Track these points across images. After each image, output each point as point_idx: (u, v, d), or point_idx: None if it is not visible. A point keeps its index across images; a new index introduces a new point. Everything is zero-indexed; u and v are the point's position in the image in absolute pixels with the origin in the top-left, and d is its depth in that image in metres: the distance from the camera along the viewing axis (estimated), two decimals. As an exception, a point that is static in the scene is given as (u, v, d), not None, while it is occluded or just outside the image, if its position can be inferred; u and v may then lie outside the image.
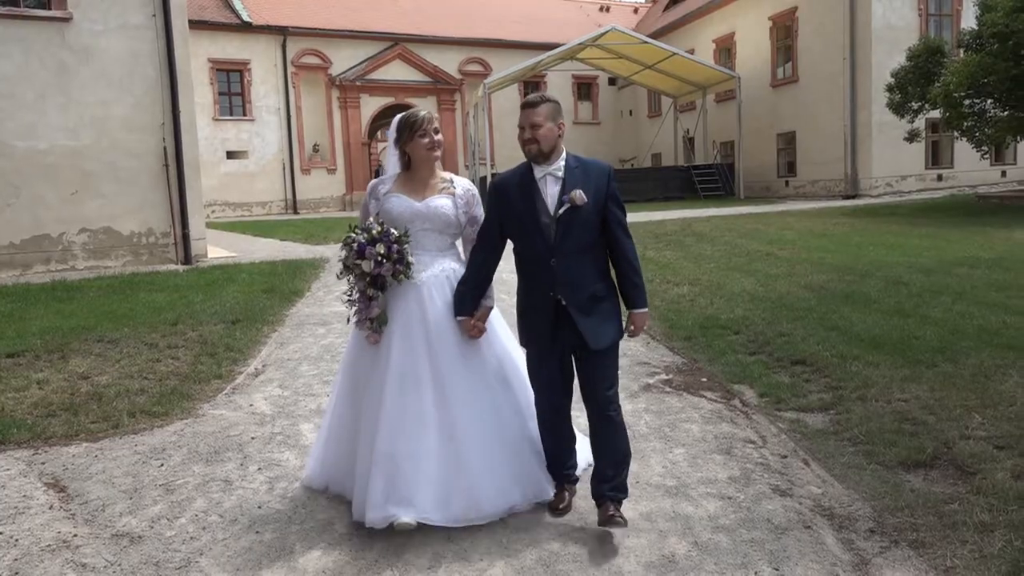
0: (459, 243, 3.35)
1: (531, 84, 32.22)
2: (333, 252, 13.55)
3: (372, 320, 3.13)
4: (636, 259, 3.09)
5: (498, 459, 3.14)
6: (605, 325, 3.05)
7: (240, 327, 7.21)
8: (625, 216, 3.09)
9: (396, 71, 30.93)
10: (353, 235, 3.11)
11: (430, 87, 31.40)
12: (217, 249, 14.47)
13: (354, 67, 30.19)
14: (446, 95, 31.69)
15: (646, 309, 3.13)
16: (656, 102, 33.43)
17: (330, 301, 8.75)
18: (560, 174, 3.02)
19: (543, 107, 3.02)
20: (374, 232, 3.08)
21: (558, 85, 33.08)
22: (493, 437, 3.14)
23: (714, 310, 7.18)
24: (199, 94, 23.58)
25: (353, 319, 3.19)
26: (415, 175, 3.27)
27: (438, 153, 3.23)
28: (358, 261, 3.07)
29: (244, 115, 28.88)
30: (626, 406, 4.70)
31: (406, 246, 3.11)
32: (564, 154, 3.07)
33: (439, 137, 3.24)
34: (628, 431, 4.19)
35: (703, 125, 28.56)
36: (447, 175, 3.34)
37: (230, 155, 28.67)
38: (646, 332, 6.60)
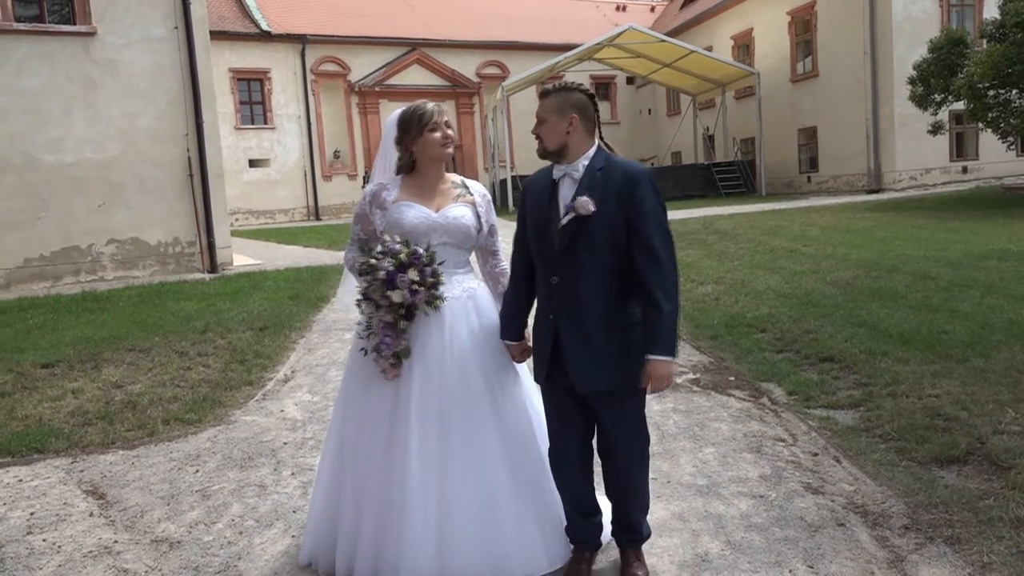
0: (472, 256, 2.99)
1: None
2: (356, 257, 13.62)
3: (394, 354, 2.71)
4: (665, 292, 2.45)
5: (531, 516, 2.74)
6: (604, 365, 2.53)
7: (268, 334, 7.28)
8: (664, 238, 2.50)
9: (414, 76, 31.05)
10: (375, 261, 2.67)
11: (448, 91, 31.50)
12: (242, 257, 14.62)
13: (373, 73, 30.36)
14: (464, 98, 31.77)
15: (667, 358, 2.46)
16: (675, 100, 33.30)
17: (355, 306, 8.80)
18: (577, 175, 2.58)
19: (549, 100, 2.61)
20: (402, 256, 2.65)
21: (576, 86, 33.07)
22: (526, 491, 2.74)
23: (739, 308, 7.15)
24: (221, 103, 23.79)
25: (371, 355, 2.73)
26: (423, 179, 2.85)
27: (451, 150, 2.85)
28: (389, 293, 2.64)
29: (265, 123, 29.12)
30: (654, 406, 4.71)
31: (439, 267, 2.71)
32: (592, 152, 2.60)
33: (452, 132, 2.87)
34: (656, 431, 4.22)
35: (723, 122, 28.42)
36: (456, 178, 2.95)
37: (252, 163, 28.93)
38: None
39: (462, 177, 2.99)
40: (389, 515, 2.65)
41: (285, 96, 29.26)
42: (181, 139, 12.68)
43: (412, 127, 2.81)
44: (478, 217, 2.87)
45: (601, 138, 2.70)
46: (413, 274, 2.63)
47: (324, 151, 30.02)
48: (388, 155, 2.94)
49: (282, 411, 5.06)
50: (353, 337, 2.93)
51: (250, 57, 28.59)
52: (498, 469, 2.69)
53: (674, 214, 17.88)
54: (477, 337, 2.77)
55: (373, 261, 2.66)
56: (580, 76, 32.35)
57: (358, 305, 2.77)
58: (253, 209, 28.81)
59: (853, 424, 4.19)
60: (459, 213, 2.81)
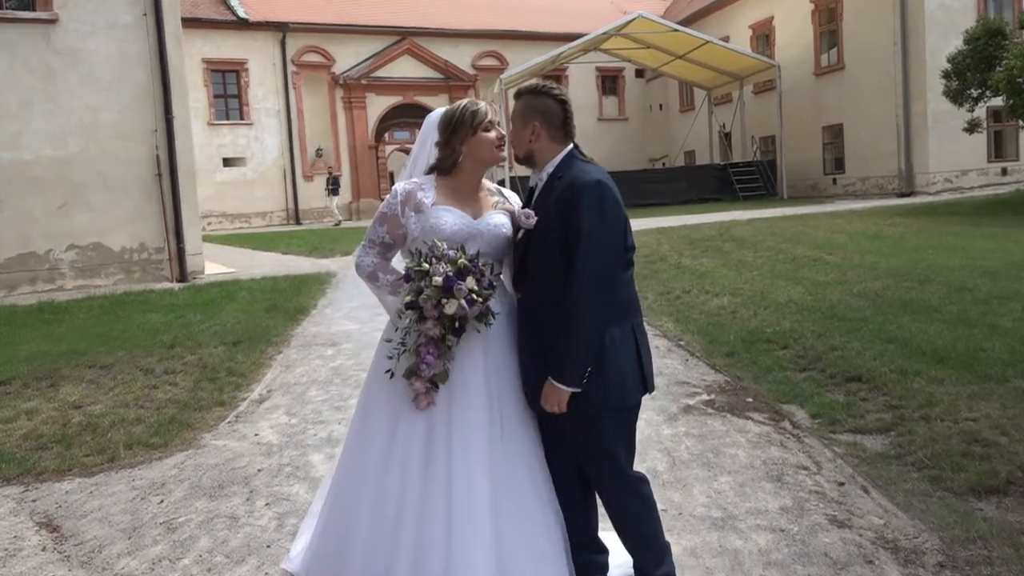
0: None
1: (551, 78, 32.21)
2: (341, 266, 13.66)
3: (431, 378, 2.65)
4: (577, 319, 2.51)
5: (562, 549, 2.77)
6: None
7: (242, 349, 7.27)
8: (596, 260, 2.52)
9: (404, 67, 31.19)
10: (428, 265, 2.62)
11: (441, 84, 31.63)
12: (215, 264, 14.62)
13: (359, 64, 30.47)
14: (459, 92, 31.89)
15: (559, 385, 2.55)
16: (688, 95, 33.44)
17: (339, 319, 8.81)
18: (541, 185, 2.74)
19: (516, 104, 2.76)
20: (461, 262, 2.60)
21: (581, 79, 33.18)
22: (557, 524, 2.78)
23: (758, 322, 7.16)
24: (193, 97, 23.82)
25: (402, 378, 2.69)
26: (462, 182, 2.84)
27: (504, 154, 2.89)
28: (445, 300, 2.58)
29: (241, 119, 29.22)
30: (665, 430, 4.71)
31: (495, 278, 2.71)
32: (559, 159, 2.70)
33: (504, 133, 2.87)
34: (667, 457, 4.22)
35: (741, 119, 28.55)
36: (491, 184, 2.98)
37: (227, 162, 29.02)
38: (684, 348, 6.61)
39: (495, 184, 3.00)
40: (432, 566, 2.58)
41: (263, 89, 29.37)
42: (149, 135, 12.69)
43: (463, 126, 2.80)
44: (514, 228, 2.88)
45: (573, 143, 2.75)
46: (471, 282, 2.59)
47: (305, 149, 30.10)
48: (419, 158, 2.97)
49: (256, 435, 5.04)
50: (375, 357, 2.87)
51: (225, 47, 28.72)
52: (544, 507, 2.74)
53: (687, 219, 18.10)
54: (513, 361, 2.78)
55: (427, 266, 2.61)
56: (585, 68, 32.52)
57: (398, 316, 2.73)
58: (227, 212, 28.87)
59: (883, 450, 4.17)
60: (499, 221, 2.80)
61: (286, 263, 14.87)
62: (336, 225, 26.64)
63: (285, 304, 9.68)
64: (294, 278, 12.14)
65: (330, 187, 28.21)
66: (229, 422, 5.32)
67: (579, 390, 2.54)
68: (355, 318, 8.79)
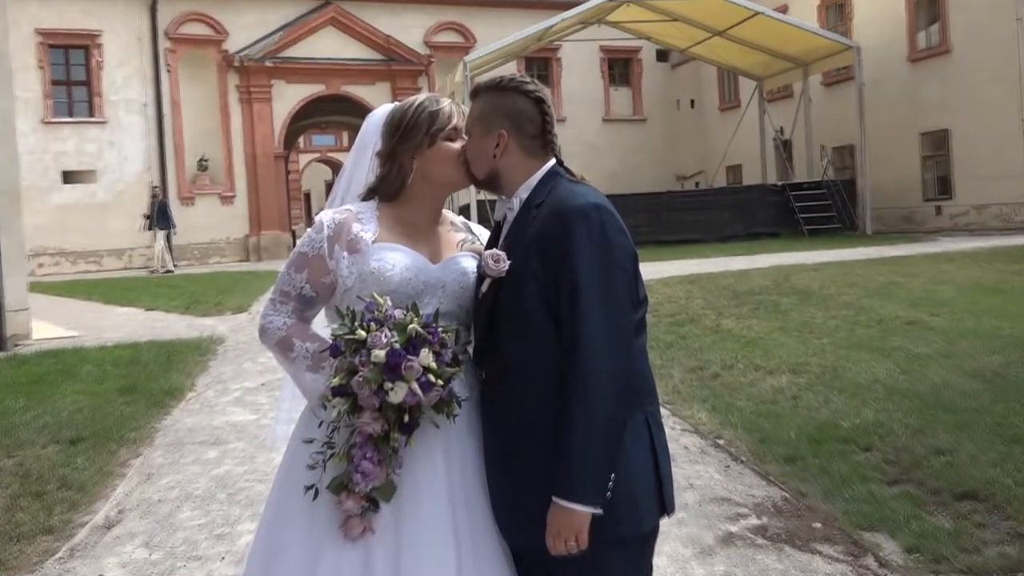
0: None
1: (537, 62, 32.65)
2: (232, 328, 13.58)
3: (368, 494, 2.61)
4: (585, 399, 2.47)
5: None
6: (535, 511, 2.56)
7: (83, 450, 7.17)
8: (600, 313, 2.51)
9: (328, 44, 31.54)
10: (365, 330, 2.59)
11: (382, 67, 31.94)
12: (47, 325, 14.45)
13: (263, 40, 30.76)
14: (406, 79, 32.15)
15: (574, 506, 2.48)
16: (731, 87, 33.92)
17: (226, 406, 8.75)
18: (512, 216, 2.75)
19: (474, 105, 2.78)
20: (412, 327, 2.58)
21: (579, 63, 33.65)
22: None
23: (830, 413, 7.18)
24: (21, 83, 23.86)
25: (328, 494, 2.64)
26: (415, 212, 2.88)
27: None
28: (389, 384, 2.54)
29: (91, 115, 29.35)
30: (696, 570, 4.68)
31: (462, 348, 2.75)
32: (537, 180, 2.72)
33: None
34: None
35: (805, 122, 28.93)
36: (456, 217, 3.01)
37: (68, 177, 29.03)
38: (725, 449, 6.62)
39: (460, 217, 3.02)
40: None
41: (123, 73, 29.53)
42: (-46, 139, 12.67)
43: (416, 132, 2.82)
44: None
45: (557, 157, 2.75)
46: (427, 357, 2.55)
47: (183, 159, 30.17)
48: (354, 176, 2.99)
49: (100, 577, 4.96)
50: (285, 463, 2.86)
51: (70, 13, 28.91)
52: None
53: (730, 262, 18.13)
54: (482, 454, 2.76)
55: (363, 333, 2.57)
56: (585, 49, 32.91)
57: (322, 406, 2.67)
58: (68, 249, 28.79)
59: (1008, 600, 4.17)
60: (467, 267, 2.81)
61: (152, 323, 14.75)
62: (165, 272, 26.12)
63: (148, 384, 9.58)
64: (163, 346, 12.02)
65: (154, 218, 27.28)
66: (60, 559, 5.21)
67: (599, 510, 2.47)
68: (251, 404, 8.73)
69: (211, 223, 30.44)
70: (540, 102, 2.71)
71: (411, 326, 2.56)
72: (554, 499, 2.48)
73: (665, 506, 2.65)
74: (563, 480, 2.47)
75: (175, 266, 27.33)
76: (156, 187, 28.83)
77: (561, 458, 2.48)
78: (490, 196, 2.92)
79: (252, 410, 8.51)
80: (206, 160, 30.46)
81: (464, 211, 24.03)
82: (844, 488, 5.65)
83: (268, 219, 30.96)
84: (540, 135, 2.71)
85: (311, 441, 2.69)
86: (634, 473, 2.57)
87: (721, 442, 6.83)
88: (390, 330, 2.55)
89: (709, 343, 10.17)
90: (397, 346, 2.52)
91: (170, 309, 16.58)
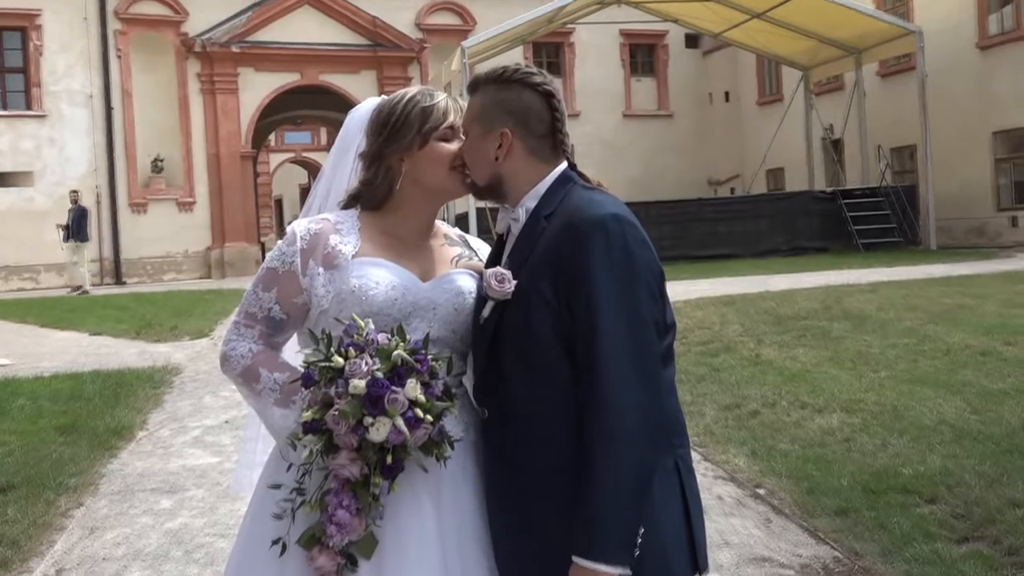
0: None
1: (546, 48, 32.70)
2: (187, 355, 13.58)
3: (345, 550, 2.59)
4: (609, 440, 2.45)
5: None
6: (545, 568, 2.57)
7: (15, 499, 7.14)
8: (624, 340, 2.49)
9: (304, 26, 31.63)
10: (342, 357, 2.57)
11: (366, 54, 32.03)
12: (-26, 352, 14.50)
13: (227, 21, 30.88)
14: (395, 67, 32.24)
15: (598, 566, 2.44)
16: (772, 78, 33.99)
17: (183, 448, 8.73)
18: (518, 228, 2.76)
19: (473, 101, 2.79)
20: (397, 354, 2.56)
21: (596, 49, 33.76)
22: None
23: (889, 458, 7.15)
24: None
25: (298, 549, 2.63)
26: (403, 222, 2.91)
27: (469, 180, 2.87)
28: (371, 420, 2.51)
29: (28, 108, 29.46)
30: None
31: (455, 379, 2.74)
32: (546, 187, 2.72)
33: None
34: None
35: (859, 119, 28.96)
36: (450, 230, 3.05)
37: (1, 179, 29.07)
38: (766, 500, 6.59)
39: (456, 229, 3.05)
40: None
41: (66, 59, 29.64)
42: None
43: (408, 129, 2.83)
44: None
45: (569, 160, 2.75)
46: (414, 389, 2.53)
47: (135, 159, 30.23)
48: (334, 180, 3.02)
49: (35, 647, 4.95)
50: (250, 513, 2.86)
51: (5, -11, 28.98)
52: None
53: (771, 281, 18.05)
54: (484, 519, 2.74)
55: (340, 360, 2.55)
56: (602, 32, 32.98)
57: (291, 445, 2.65)
58: (-1, 263, 28.81)
59: None
60: (463, 286, 2.82)
61: (97, 350, 14.73)
62: (80, 293, 25.66)
63: (92, 421, 9.54)
64: (110, 376, 11.99)
65: (70, 230, 26.61)
66: (-11, 626, 5.22)
67: (627, 570, 2.44)
68: (212, 446, 8.72)
69: (167, 234, 30.45)
70: (549, 96, 2.70)
71: (396, 352, 2.54)
72: (574, 559, 2.45)
73: (699, 564, 2.63)
74: (583, 536, 2.44)
75: (91, 287, 26.51)
76: (75, 192, 27.76)
77: (580, 510, 2.46)
78: (492, 205, 2.91)
79: (213, 452, 8.49)
80: (161, 160, 30.49)
81: (461, 222, 24.13)
82: (905, 547, 5.61)
83: (233, 229, 31.02)
84: (549, 135, 2.71)
85: (278, 487, 2.67)
86: (663, 526, 2.55)
87: (761, 492, 6.80)
88: (372, 357, 2.53)
89: (747, 376, 10.15)
90: (380, 375, 2.50)
91: (118, 334, 16.56)
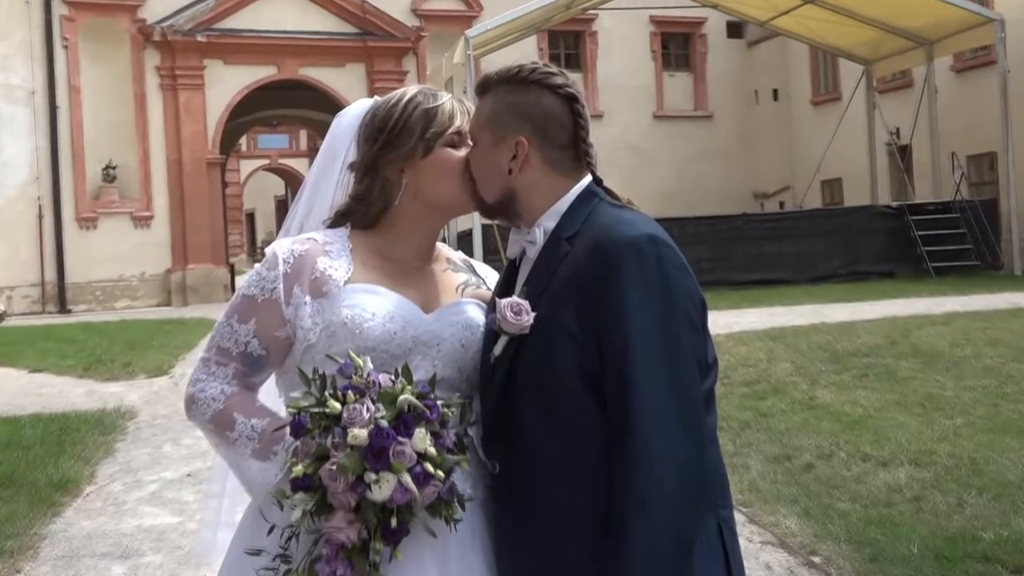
0: None
1: (565, 38, 32.83)
2: (143, 396, 13.59)
3: None
4: (642, 499, 2.43)
5: None
6: None
7: (-58, 564, 7.16)
8: (660, 383, 2.47)
9: (281, 12, 31.82)
10: (338, 401, 2.54)
11: (354, 44, 32.17)
12: None
13: (192, 6, 31.01)
14: (387, 60, 32.35)
15: None
16: (829, 73, 34.11)
17: (138, 505, 8.73)
18: (535, 251, 2.74)
19: (484, 100, 2.78)
20: (403, 398, 2.54)
21: (623, 39, 33.92)
22: None
23: (966, 520, 7.13)
24: None
25: None
26: (402, 243, 2.94)
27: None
28: (373, 476, 2.49)
29: (-40, 107, 29.52)
30: None
31: (470, 428, 2.72)
32: (567, 205, 2.72)
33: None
34: None
35: (929, 121, 28.99)
36: (453, 253, 3.09)
37: (-73, 191, 29.18)
38: (821, 569, 6.57)
39: (460, 252, 3.09)
40: None
41: (3, 49, 29.88)
42: None
43: (408, 134, 2.84)
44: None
45: (593, 173, 2.74)
46: (422, 439, 2.51)
47: (84, 165, 30.33)
48: (318, 193, 3.05)
49: None
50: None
51: (-68, -30, 29.17)
52: None
53: (826, 311, 18.05)
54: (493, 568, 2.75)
55: (336, 404, 2.52)
56: (629, 20, 33.12)
57: (277, 504, 2.60)
58: (-75, 289, 28.91)
59: None
60: (472, 318, 2.85)
61: (38, 390, 14.78)
62: None
63: (32, 474, 9.57)
64: (52, 420, 12.05)
65: None
66: None
67: None
68: (172, 503, 8.72)
69: (120, 253, 30.52)
70: (572, 100, 2.69)
71: (403, 397, 2.52)
72: None
73: None
74: None
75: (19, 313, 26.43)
76: None
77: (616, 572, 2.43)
78: (501, 224, 2.90)
79: (174, 510, 8.49)
80: (114, 168, 30.57)
81: (464, 242, 24.10)
82: (987, 626, 5.61)
83: (197, 248, 31.09)
84: (572, 144, 2.70)
85: (258, 553, 2.65)
86: None
87: (817, 560, 6.77)
88: (374, 402, 2.50)
89: (799, 422, 10.14)
90: (384, 424, 2.47)
91: (63, 371, 16.62)
